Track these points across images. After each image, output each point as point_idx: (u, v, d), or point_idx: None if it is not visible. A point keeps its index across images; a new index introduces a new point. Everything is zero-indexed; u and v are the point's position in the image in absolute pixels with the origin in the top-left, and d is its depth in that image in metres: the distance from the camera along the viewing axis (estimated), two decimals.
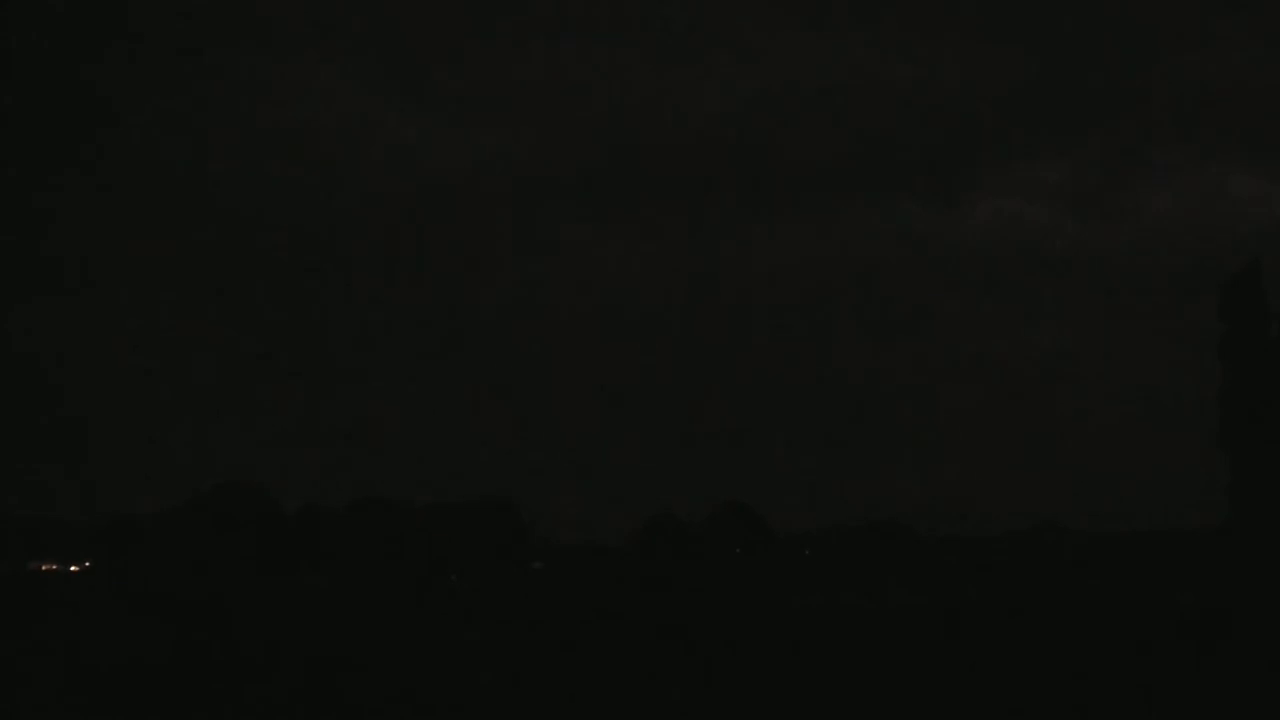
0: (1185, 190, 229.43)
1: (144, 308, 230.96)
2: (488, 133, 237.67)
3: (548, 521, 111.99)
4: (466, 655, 35.91)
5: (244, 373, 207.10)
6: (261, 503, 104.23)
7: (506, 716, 24.88)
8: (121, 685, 28.26)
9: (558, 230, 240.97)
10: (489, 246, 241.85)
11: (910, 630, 44.31)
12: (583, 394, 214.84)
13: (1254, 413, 60.75)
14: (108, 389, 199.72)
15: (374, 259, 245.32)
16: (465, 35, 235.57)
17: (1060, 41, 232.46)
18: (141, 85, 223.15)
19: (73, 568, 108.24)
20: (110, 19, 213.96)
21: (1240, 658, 32.93)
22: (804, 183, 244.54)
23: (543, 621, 49.87)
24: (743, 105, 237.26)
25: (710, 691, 27.80)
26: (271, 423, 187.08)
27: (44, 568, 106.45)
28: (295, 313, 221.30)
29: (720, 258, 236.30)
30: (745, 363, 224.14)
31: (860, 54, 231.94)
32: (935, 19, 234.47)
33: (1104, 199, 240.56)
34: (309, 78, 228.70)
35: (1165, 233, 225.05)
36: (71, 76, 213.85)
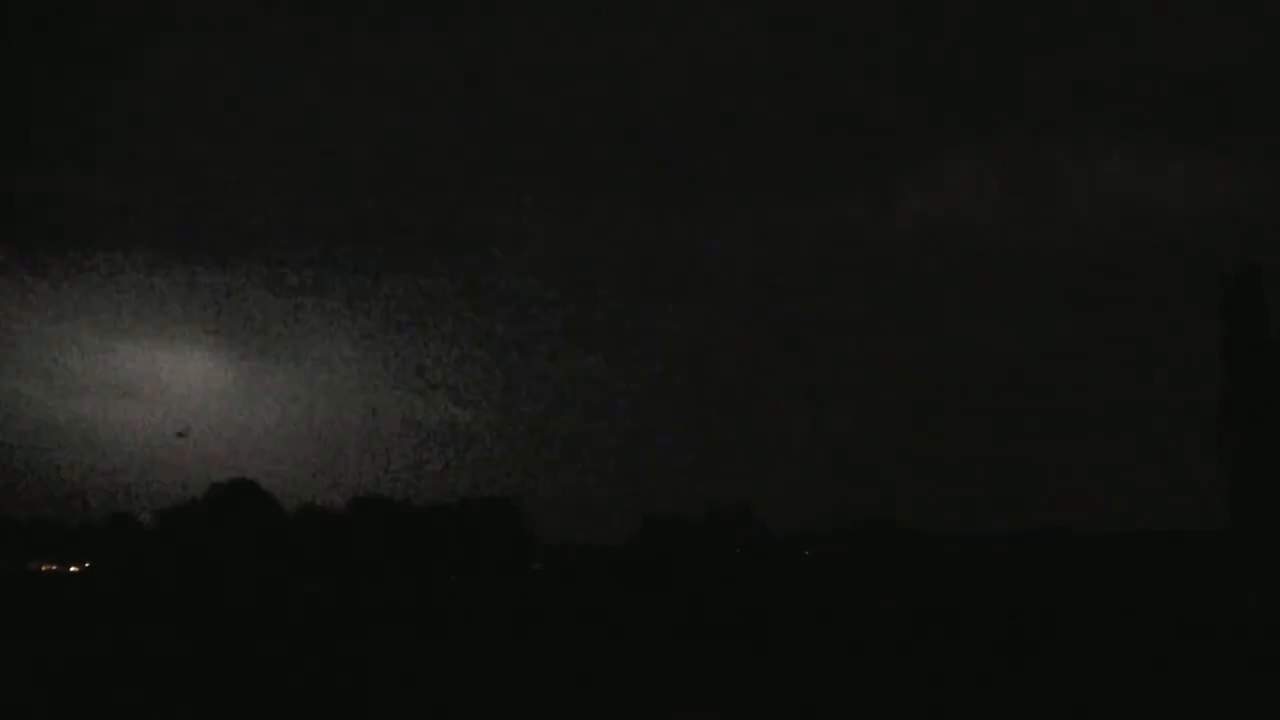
0: (1180, 188, 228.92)
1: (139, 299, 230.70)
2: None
3: (548, 521, 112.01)
4: (466, 656, 35.93)
5: (244, 371, 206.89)
6: (261, 502, 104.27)
7: (506, 717, 24.90)
8: (122, 686, 28.27)
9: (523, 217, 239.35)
10: (469, 233, 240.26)
11: (910, 631, 44.32)
12: (582, 392, 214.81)
13: (1254, 413, 60.83)
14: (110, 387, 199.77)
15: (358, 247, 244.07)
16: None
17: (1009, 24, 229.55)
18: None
19: (73, 568, 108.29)
20: None
21: (1239, 658, 32.95)
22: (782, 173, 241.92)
23: (543, 622, 49.88)
24: (661, 89, 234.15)
25: (710, 692, 27.83)
26: (274, 422, 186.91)
27: (44, 568, 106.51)
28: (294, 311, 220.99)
29: (689, 251, 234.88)
30: (738, 358, 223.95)
31: (775, 45, 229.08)
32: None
33: (1091, 196, 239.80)
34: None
35: (1160, 230, 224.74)
36: None
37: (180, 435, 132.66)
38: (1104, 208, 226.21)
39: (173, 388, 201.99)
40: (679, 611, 54.72)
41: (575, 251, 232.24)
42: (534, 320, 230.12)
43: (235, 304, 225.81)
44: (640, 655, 35.65)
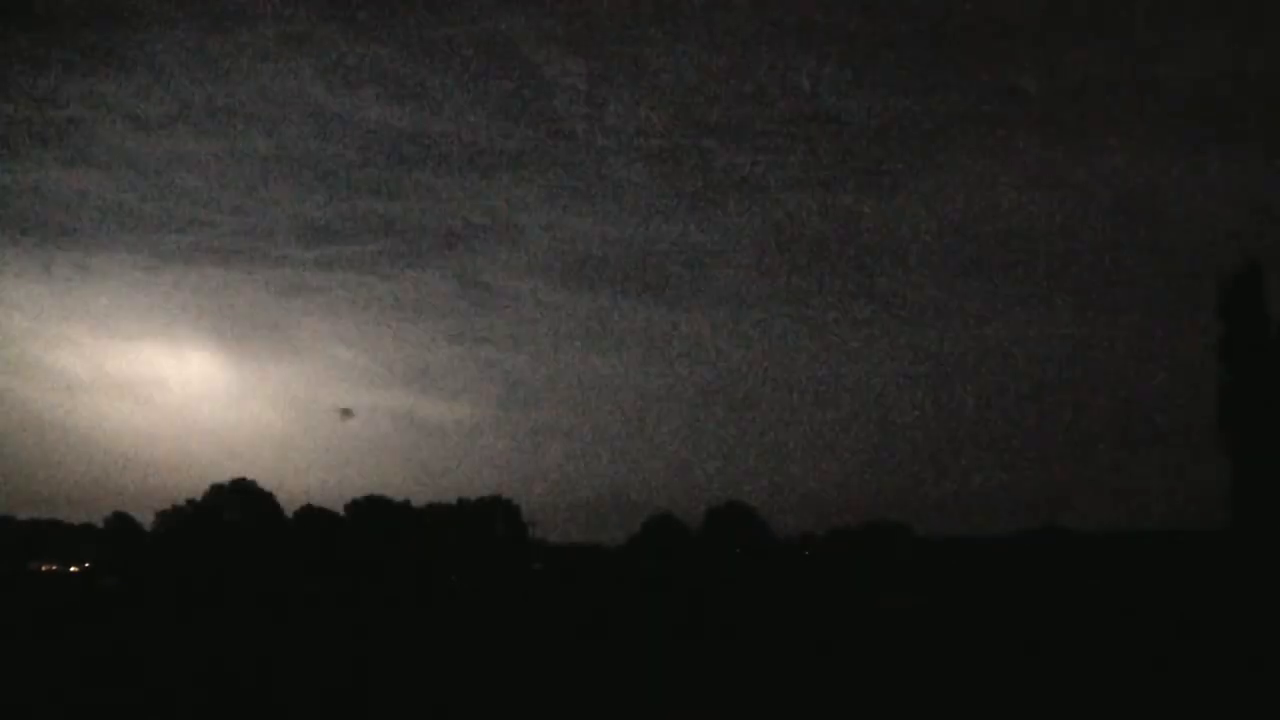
0: (1180, 188, 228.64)
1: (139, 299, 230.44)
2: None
3: (548, 522, 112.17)
4: (466, 656, 35.94)
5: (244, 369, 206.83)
6: (261, 503, 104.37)
7: (506, 717, 24.91)
8: (122, 686, 28.29)
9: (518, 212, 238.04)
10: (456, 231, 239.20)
11: (910, 631, 44.33)
12: (582, 392, 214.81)
13: (1254, 413, 60.77)
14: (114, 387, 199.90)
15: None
16: None
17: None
18: None
19: (72, 568, 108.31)
20: None
21: (1240, 659, 32.94)
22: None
23: (542, 622, 49.90)
24: (662, 86, 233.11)
25: (710, 691, 27.84)
26: (273, 422, 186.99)
27: (44, 568, 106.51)
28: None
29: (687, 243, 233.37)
30: (738, 358, 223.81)
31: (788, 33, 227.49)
32: None
33: (1091, 196, 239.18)
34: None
35: (1160, 230, 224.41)
36: None
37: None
38: (1104, 208, 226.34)
39: (173, 388, 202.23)
40: (679, 611, 54.74)
41: (575, 251, 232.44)
42: (534, 320, 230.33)
43: (235, 304, 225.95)
44: (640, 655, 35.66)
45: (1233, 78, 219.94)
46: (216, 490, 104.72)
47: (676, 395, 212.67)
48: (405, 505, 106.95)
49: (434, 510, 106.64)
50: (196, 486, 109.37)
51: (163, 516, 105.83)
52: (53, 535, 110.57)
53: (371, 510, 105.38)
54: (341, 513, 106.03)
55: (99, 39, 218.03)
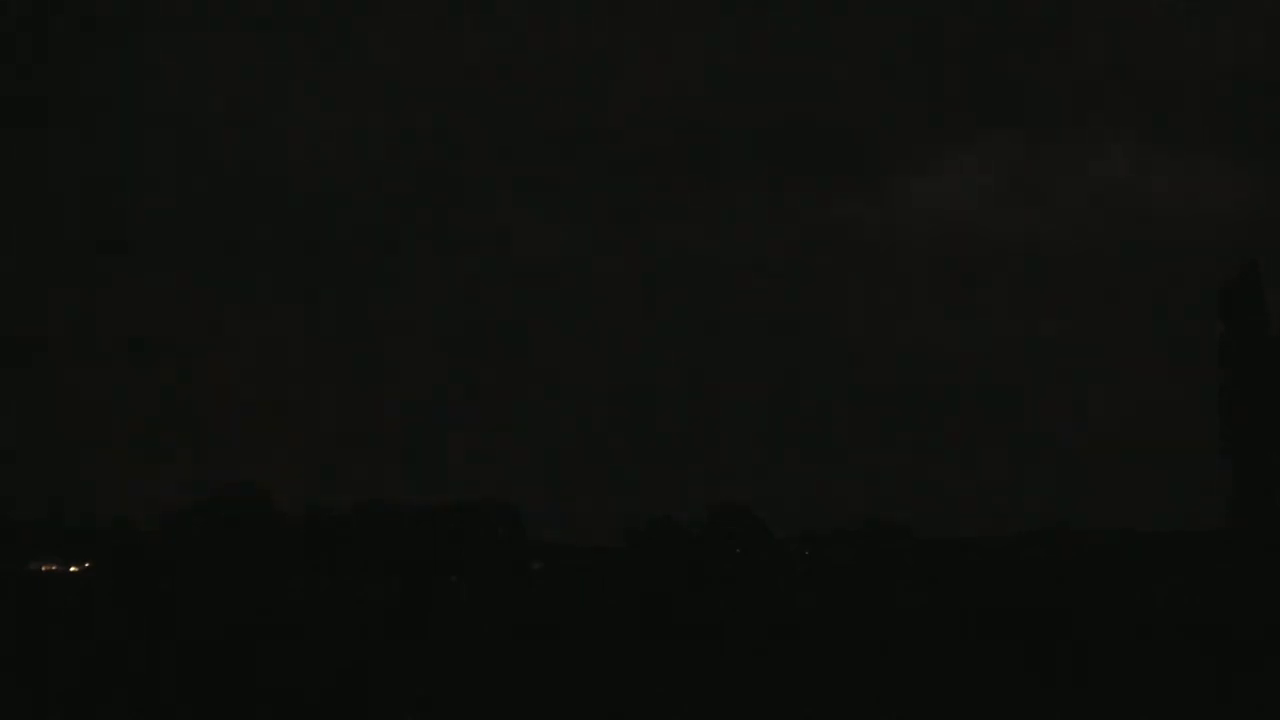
0: (1179, 187, 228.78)
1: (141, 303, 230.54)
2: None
3: (547, 522, 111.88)
4: (467, 656, 35.94)
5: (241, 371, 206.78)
6: (263, 505, 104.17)
7: (507, 715, 24.91)
8: (122, 686, 28.27)
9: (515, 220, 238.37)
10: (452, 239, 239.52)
11: (911, 631, 44.35)
12: (581, 393, 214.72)
13: (1254, 413, 60.85)
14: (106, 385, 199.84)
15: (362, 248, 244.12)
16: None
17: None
18: None
19: (72, 568, 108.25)
20: None
21: (1241, 658, 32.97)
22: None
23: (542, 622, 49.89)
24: (664, 89, 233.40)
25: (710, 691, 27.83)
26: (274, 423, 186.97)
27: (44, 568, 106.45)
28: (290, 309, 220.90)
29: (685, 247, 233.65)
30: (738, 358, 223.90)
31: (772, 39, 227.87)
32: None
33: (1090, 196, 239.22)
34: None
35: (1159, 229, 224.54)
36: None
37: None
38: (1103, 207, 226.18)
39: (173, 386, 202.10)
40: (679, 612, 54.74)
41: (574, 251, 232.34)
42: (532, 319, 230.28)
43: (236, 303, 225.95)
44: (640, 655, 35.66)
45: (1233, 77, 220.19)
46: (216, 491, 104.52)
47: (676, 394, 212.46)
48: (405, 506, 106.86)
49: (434, 511, 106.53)
50: (197, 488, 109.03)
51: (163, 517, 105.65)
52: (53, 535, 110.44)
53: (372, 511, 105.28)
54: (343, 514, 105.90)
55: (103, 64, 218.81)
